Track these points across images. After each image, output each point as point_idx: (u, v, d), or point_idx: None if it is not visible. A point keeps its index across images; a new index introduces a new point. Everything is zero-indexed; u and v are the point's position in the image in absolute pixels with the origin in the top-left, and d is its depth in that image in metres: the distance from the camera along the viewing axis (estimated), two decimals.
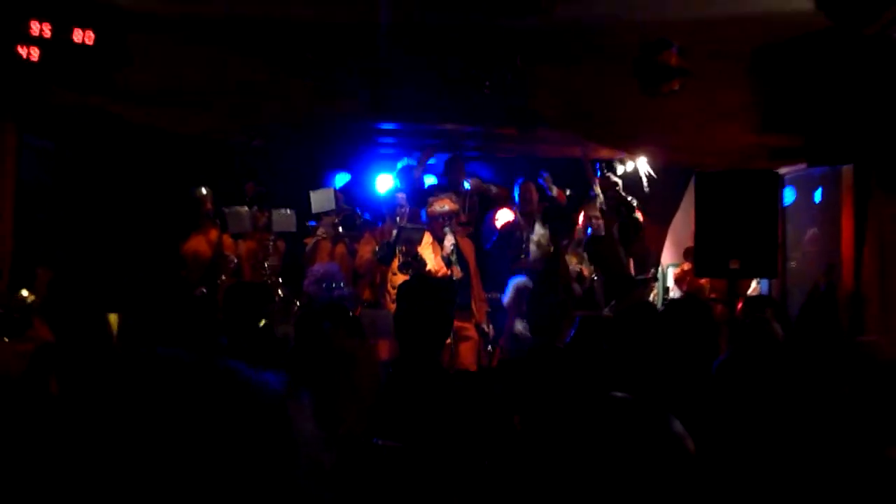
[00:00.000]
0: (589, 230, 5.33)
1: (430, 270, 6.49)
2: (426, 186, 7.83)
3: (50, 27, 5.02)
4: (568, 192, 7.83)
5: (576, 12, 4.79)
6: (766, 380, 2.66)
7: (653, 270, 8.03)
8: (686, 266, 7.67)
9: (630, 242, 7.38)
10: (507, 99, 5.56)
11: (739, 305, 5.98)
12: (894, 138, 5.28)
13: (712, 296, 6.89)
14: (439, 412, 2.86)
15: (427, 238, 6.66)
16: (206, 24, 5.29)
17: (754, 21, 5.14)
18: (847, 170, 5.93)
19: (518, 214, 7.47)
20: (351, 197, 7.40)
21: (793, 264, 6.59)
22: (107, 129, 6.11)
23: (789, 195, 6.59)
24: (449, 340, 6.54)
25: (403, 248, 6.28)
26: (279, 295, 6.53)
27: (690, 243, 6.72)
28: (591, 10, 4.48)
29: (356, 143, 7.35)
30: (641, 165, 7.60)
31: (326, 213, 6.83)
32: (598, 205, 7.24)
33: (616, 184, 7.32)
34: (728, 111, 5.73)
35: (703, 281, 7.02)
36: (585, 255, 6.90)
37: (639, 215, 7.57)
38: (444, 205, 6.92)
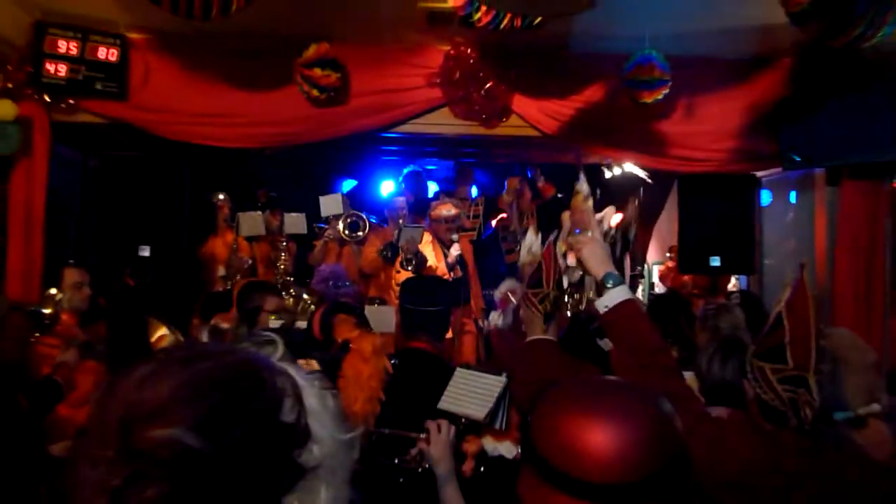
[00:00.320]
0: (577, 231, 5.32)
1: (430, 266, 6.51)
2: (429, 192, 7.86)
3: (76, 45, 5.04)
4: (559, 196, 7.85)
5: (565, 28, 4.80)
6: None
7: (639, 268, 8.05)
8: (670, 263, 7.68)
9: (628, 244, 7.42)
10: (499, 107, 5.57)
11: (720, 299, 5.97)
12: (863, 143, 5.29)
13: (695, 291, 6.89)
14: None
15: (427, 237, 6.68)
16: (224, 39, 5.30)
17: (734, 34, 5.16)
18: (819, 173, 5.93)
19: (510, 214, 7.53)
20: (357, 201, 7.41)
21: (769, 262, 6.59)
22: (129, 140, 6.12)
23: (766, 197, 6.59)
24: (451, 334, 6.58)
25: (405, 246, 6.30)
26: (291, 292, 6.53)
27: (674, 242, 6.73)
28: (580, 25, 4.49)
29: (361, 151, 7.36)
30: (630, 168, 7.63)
31: (335, 217, 6.84)
32: (581, 199, 7.23)
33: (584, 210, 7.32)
34: (709, 119, 5.73)
35: (686, 277, 7.03)
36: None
37: (619, 216, 7.60)
38: (446, 209, 6.95)
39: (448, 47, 5.50)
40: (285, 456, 1.04)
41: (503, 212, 7.83)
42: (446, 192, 7.64)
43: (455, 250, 6.76)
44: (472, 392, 2.79)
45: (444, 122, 5.82)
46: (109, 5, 4.82)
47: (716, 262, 5.89)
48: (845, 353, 2.17)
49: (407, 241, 6.32)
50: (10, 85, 5.07)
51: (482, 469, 2.70)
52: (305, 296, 6.17)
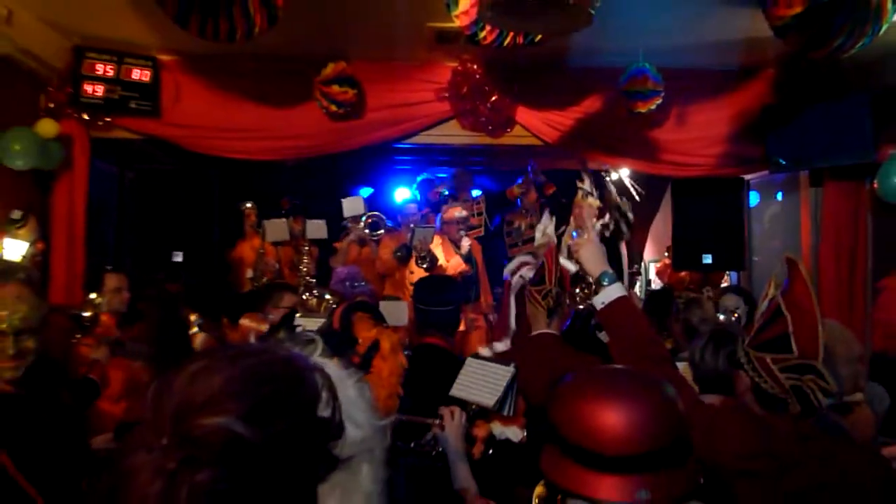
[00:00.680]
0: (574, 234, 5.32)
1: (440, 266, 6.54)
2: (441, 196, 7.87)
3: (111, 67, 5.07)
4: (564, 201, 7.82)
5: (564, 44, 4.80)
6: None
7: (636, 266, 8.02)
8: (667, 261, 7.65)
9: (621, 234, 7.37)
10: (504, 118, 5.57)
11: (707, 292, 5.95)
12: (843, 147, 5.26)
13: (691, 287, 6.86)
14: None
15: (437, 239, 6.72)
16: (248, 60, 5.32)
17: (722, 47, 5.14)
18: (804, 175, 5.90)
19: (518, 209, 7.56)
20: (373, 208, 7.42)
21: (758, 259, 6.56)
22: (162, 154, 6.14)
23: (754, 198, 6.56)
24: (464, 328, 6.60)
25: (418, 245, 6.34)
26: (314, 293, 6.53)
27: (669, 242, 6.71)
28: (579, 41, 4.48)
29: (376, 160, 7.37)
30: (625, 175, 7.60)
31: (355, 218, 6.86)
32: (581, 197, 7.20)
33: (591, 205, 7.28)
34: (700, 126, 5.71)
35: (682, 274, 7.00)
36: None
37: (629, 214, 7.56)
38: (458, 211, 7.02)
39: (456, 64, 5.51)
40: (321, 447, 1.05)
41: (509, 205, 7.83)
42: (452, 197, 7.67)
43: (466, 241, 6.93)
44: (482, 380, 2.79)
45: (452, 134, 5.83)
46: (142, 30, 4.84)
47: (708, 259, 5.86)
48: (833, 345, 2.14)
49: (419, 241, 6.37)
50: (51, 105, 5.10)
51: (490, 451, 2.70)
52: (327, 296, 6.17)
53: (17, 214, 5.01)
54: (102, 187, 6.26)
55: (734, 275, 6.76)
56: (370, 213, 6.80)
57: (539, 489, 1.91)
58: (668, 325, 4.56)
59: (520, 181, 7.81)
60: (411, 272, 6.49)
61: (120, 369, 3.95)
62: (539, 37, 4.19)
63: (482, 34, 4.28)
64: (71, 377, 3.61)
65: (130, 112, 5.24)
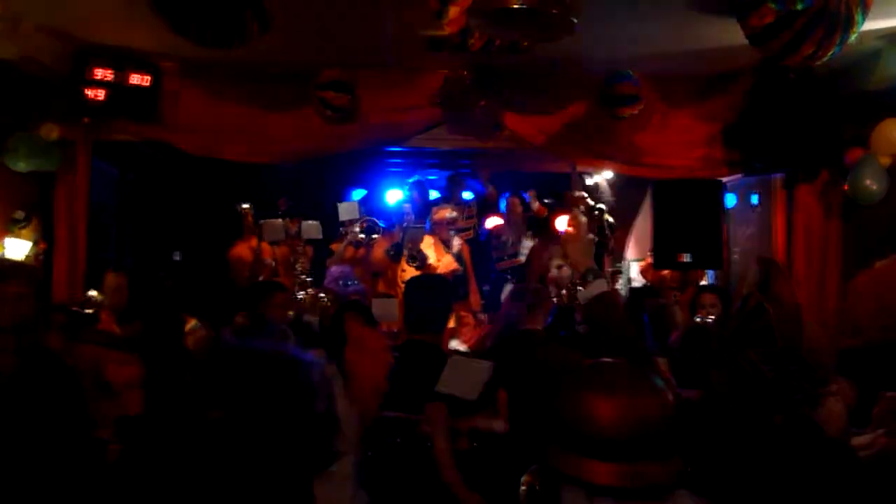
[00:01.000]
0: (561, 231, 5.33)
1: (431, 265, 6.53)
2: (431, 198, 7.87)
3: (112, 72, 5.04)
4: (546, 201, 7.85)
5: (550, 51, 4.79)
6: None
7: (617, 265, 8.02)
8: (650, 260, 7.65)
9: (606, 242, 7.38)
10: (492, 123, 5.56)
11: (690, 291, 5.95)
12: (814, 149, 5.28)
13: (672, 285, 6.87)
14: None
15: (428, 239, 6.72)
16: (244, 66, 5.30)
17: (700, 54, 5.14)
18: (777, 177, 5.92)
19: (505, 222, 7.56)
20: (367, 208, 7.40)
21: (735, 257, 6.57)
22: (161, 156, 6.12)
23: (731, 199, 6.57)
24: (453, 324, 6.60)
25: (409, 245, 6.34)
26: (308, 291, 6.52)
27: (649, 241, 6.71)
28: (562, 48, 4.47)
29: (370, 163, 7.35)
30: (606, 177, 7.62)
31: (351, 221, 6.86)
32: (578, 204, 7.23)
33: (583, 197, 7.28)
34: (678, 130, 5.72)
35: (665, 272, 7.00)
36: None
37: (610, 218, 7.59)
38: (448, 212, 7.01)
39: (446, 70, 5.49)
40: (318, 442, 1.07)
41: (494, 213, 7.85)
42: (444, 199, 7.67)
43: (457, 241, 6.93)
44: (464, 376, 2.79)
45: (443, 138, 5.83)
46: (142, 36, 4.81)
47: (687, 258, 5.87)
48: (811, 337, 2.14)
49: (410, 241, 6.36)
50: (53, 109, 5.06)
51: (475, 445, 2.69)
52: (321, 294, 6.16)
53: (19, 215, 5.00)
54: (103, 188, 6.23)
55: (711, 273, 6.76)
56: (366, 218, 6.79)
57: (527, 477, 1.91)
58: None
59: (506, 195, 7.82)
60: (403, 270, 6.49)
61: (119, 365, 3.93)
62: (524, 43, 4.20)
63: (471, 41, 4.29)
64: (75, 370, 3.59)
65: (131, 116, 5.22)
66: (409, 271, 6.29)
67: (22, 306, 2.17)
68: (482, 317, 7.25)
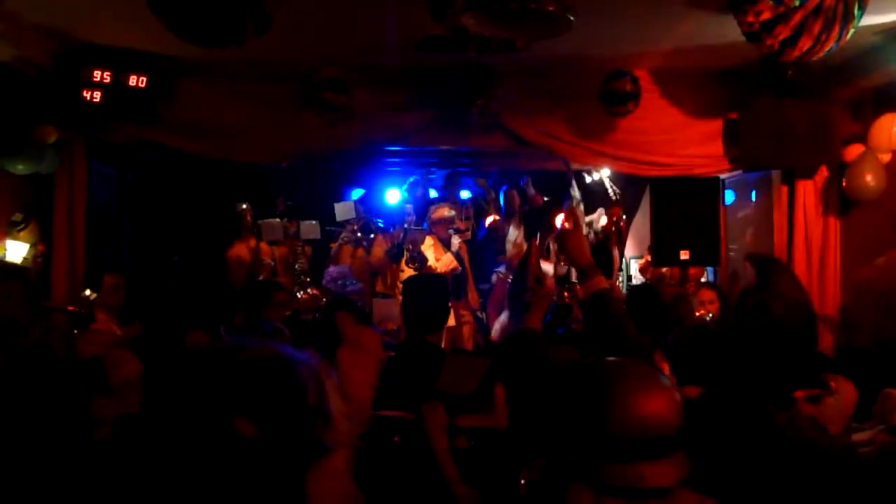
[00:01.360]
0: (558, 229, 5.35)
1: (430, 266, 6.54)
2: (430, 198, 7.87)
3: (109, 74, 5.02)
4: (546, 199, 7.85)
5: (547, 49, 4.77)
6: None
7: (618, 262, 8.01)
8: (648, 258, 7.64)
9: (613, 236, 7.40)
10: (490, 122, 5.55)
11: (688, 289, 5.94)
12: (812, 146, 5.27)
13: (671, 283, 6.86)
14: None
15: (429, 240, 6.72)
16: (241, 66, 5.29)
17: (698, 51, 5.14)
18: (776, 174, 5.91)
19: (501, 217, 7.58)
20: (365, 208, 7.40)
21: (733, 254, 6.57)
22: (160, 157, 6.11)
23: (729, 196, 6.57)
24: (453, 323, 6.61)
25: (410, 247, 6.35)
26: (307, 291, 6.53)
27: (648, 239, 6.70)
28: (560, 46, 4.46)
29: (368, 163, 7.35)
30: (605, 175, 7.61)
31: (348, 221, 6.87)
32: (575, 204, 7.23)
33: (578, 201, 7.28)
34: (676, 127, 5.71)
35: (664, 270, 7.00)
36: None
37: (604, 218, 7.59)
38: (446, 211, 7.02)
39: (442, 69, 5.47)
40: (311, 435, 1.09)
41: (493, 211, 7.86)
42: (442, 198, 7.68)
43: (456, 240, 6.98)
44: (461, 373, 2.80)
45: (440, 136, 5.81)
46: (139, 37, 4.80)
47: (685, 255, 5.86)
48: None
49: (411, 242, 6.37)
50: (51, 111, 5.05)
51: (473, 442, 2.69)
52: (319, 293, 6.17)
53: (18, 217, 4.99)
54: (102, 190, 6.22)
55: (710, 270, 6.76)
56: (363, 218, 6.81)
57: (526, 472, 1.91)
58: (652, 319, 4.54)
59: (504, 188, 7.83)
60: (402, 271, 6.50)
61: (119, 365, 3.93)
62: (521, 42, 4.19)
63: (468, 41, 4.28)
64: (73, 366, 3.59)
65: (127, 117, 5.20)
66: (408, 271, 6.30)
67: (9, 306, 2.17)
68: (481, 315, 7.28)
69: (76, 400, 3.24)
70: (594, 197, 7.92)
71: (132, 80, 5.09)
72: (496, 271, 7.24)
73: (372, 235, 6.93)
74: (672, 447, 1.43)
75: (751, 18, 3.62)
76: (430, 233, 6.83)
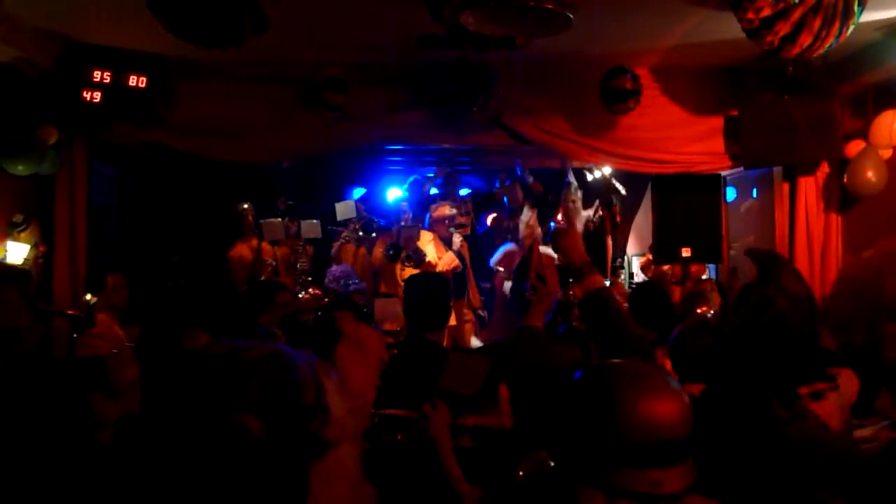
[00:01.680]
0: (552, 225, 5.35)
1: (430, 262, 6.54)
2: (430, 196, 7.87)
3: (109, 74, 5.02)
4: (550, 198, 7.84)
5: (547, 47, 4.77)
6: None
7: (619, 260, 8.01)
8: (650, 256, 7.63)
9: (611, 225, 7.38)
10: (490, 120, 5.54)
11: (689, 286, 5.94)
12: (813, 142, 5.26)
13: (673, 280, 6.86)
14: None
15: (427, 236, 6.72)
16: (241, 67, 5.29)
17: (699, 48, 5.13)
18: (777, 171, 5.90)
19: (504, 212, 7.57)
20: (366, 207, 7.41)
21: (734, 252, 6.56)
22: (160, 157, 6.11)
23: (731, 193, 6.56)
24: (454, 322, 6.62)
25: (405, 244, 6.35)
26: (309, 291, 6.52)
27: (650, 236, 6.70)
28: (559, 44, 4.46)
29: (368, 162, 7.35)
30: (608, 173, 7.60)
31: (349, 221, 6.87)
32: (572, 191, 7.21)
33: (576, 199, 7.26)
34: (676, 124, 5.70)
35: (665, 267, 6.99)
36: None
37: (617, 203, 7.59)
38: (448, 209, 7.04)
39: (441, 68, 5.47)
40: (310, 431, 1.11)
41: (496, 205, 7.84)
42: (441, 196, 7.68)
43: (458, 238, 7.00)
44: (464, 372, 2.79)
45: (440, 135, 5.81)
46: (139, 38, 4.80)
47: (687, 252, 5.86)
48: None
49: (406, 240, 6.37)
50: (51, 111, 5.05)
51: (477, 442, 2.68)
52: (320, 293, 6.17)
53: (18, 218, 4.99)
54: (103, 190, 6.23)
55: (712, 267, 6.76)
56: (362, 216, 6.81)
57: (524, 465, 1.91)
58: (657, 316, 4.53)
59: (507, 183, 7.81)
60: (403, 269, 6.50)
61: (122, 366, 3.94)
62: (520, 39, 4.18)
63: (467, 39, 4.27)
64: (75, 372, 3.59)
65: (128, 118, 5.20)
66: (409, 270, 6.30)
67: (4, 310, 2.16)
68: (482, 313, 7.28)
69: (77, 401, 3.24)
70: (596, 195, 7.92)
71: (132, 81, 5.09)
72: (498, 271, 7.22)
73: (374, 235, 6.93)
74: (684, 452, 1.42)
75: (751, 15, 3.61)
76: (428, 229, 6.84)
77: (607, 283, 2.43)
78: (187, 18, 3.52)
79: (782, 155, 5.46)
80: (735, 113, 5.61)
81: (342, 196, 7.33)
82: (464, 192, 8.08)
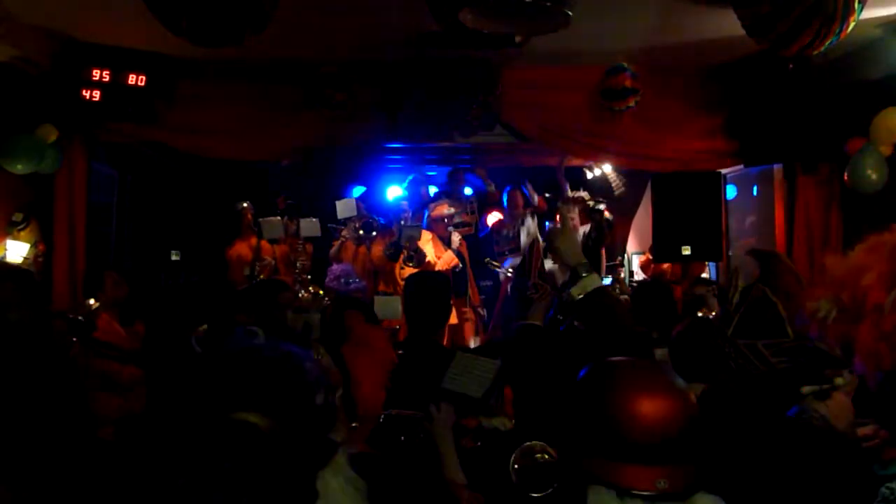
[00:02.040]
0: (547, 224, 5.35)
1: (429, 262, 6.53)
2: (430, 195, 7.86)
3: (108, 73, 5.01)
4: (547, 195, 7.84)
5: (547, 45, 4.77)
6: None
7: (619, 258, 8.01)
8: (649, 255, 7.63)
9: (604, 239, 7.37)
10: (490, 118, 5.54)
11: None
12: (813, 140, 5.26)
13: (672, 279, 6.86)
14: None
15: (426, 235, 6.71)
16: (240, 65, 5.28)
17: (698, 46, 5.12)
18: (777, 168, 5.90)
19: (505, 216, 7.55)
20: (366, 205, 7.40)
21: (730, 252, 6.56)
22: (159, 156, 6.10)
23: (731, 191, 6.56)
24: (456, 321, 6.62)
25: (407, 244, 6.33)
26: (309, 290, 6.50)
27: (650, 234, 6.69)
28: (559, 42, 4.45)
29: (369, 160, 7.34)
30: (608, 170, 7.60)
31: (349, 219, 6.86)
32: (570, 206, 7.20)
33: (583, 198, 7.25)
34: (676, 122, 5.69)
35: (665, 266, 6.99)
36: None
37: (609, 215, 7.58)
38: (446, 209, 7.04)
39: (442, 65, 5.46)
40: (320, 434, 1.11)
41: (495, 207, 7.85)
42: (444, 194, 7.67)
43: (456, 237, 6.97)
44: (470, 373, 2.78)
45: (441, 133, 5.79)
46: (138, 36, 4.79)
47: (687, 251, 5.86)
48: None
49: (407, 240, 6.35)
50: (51, 110, 5.04)
51: (479, 443, 2.68)
52: (321, 292, 6.14)
53: (18, 217, 4.99)
54: (102, 189, 6.21)
55: (712, 266, 6.75)
56: (364, 216, 6.80)
57: (517, 457, 1.91)
58: (660, 315, 4.52)
59: (508, 189, 7.81)
60: (402, 268, 6.49)
61: (124, 364, 3.95)
62: (520, 37, 4.18)
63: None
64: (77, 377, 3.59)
65: (127, 117, 5.19)
66: (408, 269, 6.30)
67: (9, 310, 2.15)
68: (482, 311, 7.28)
69: (78, 398, 3.24)
70: (596, 194, 7.91)
71: (131, 79, 5.09)
72: (501, 270, 7.19)
73: (374, 233, 6.91)
74: (687, 450, 1.43)
75: (752, 12, 3.61)
76: (427, 228, 6.83)
77: (606, 282, 2.42)
78: (185, 15, 3.51)
79: (782, 152, 5.45)
80: (735, 110, 5.60)
81: (342, 194, 7.31)
82: (468, 191, 8.08)
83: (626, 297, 5.28)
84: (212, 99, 5.39)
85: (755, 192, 6.42)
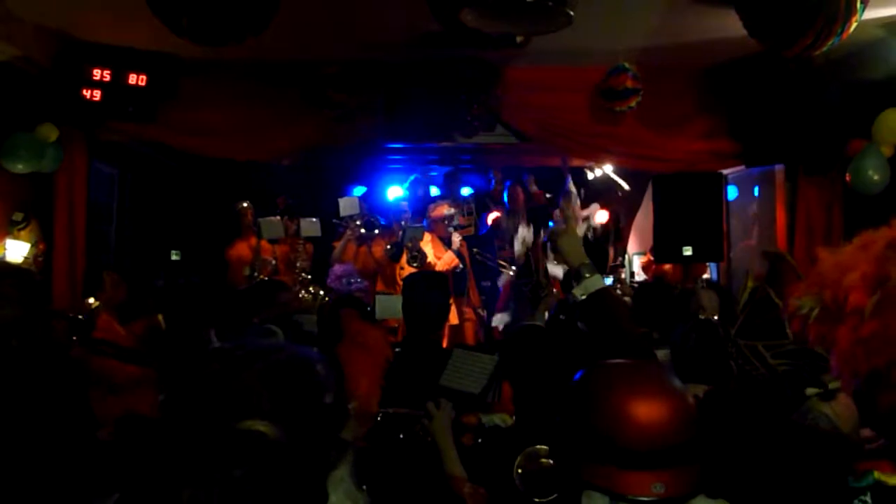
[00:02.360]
0: (551, 223, 5.33)
1: (429, 262, 6.54)
2: (431, 196, 7.87)
3: (109, 72, 5.01)
4: (548, 195, 7.84)
5: (548, 45, 4.76)
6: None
7: (620, 258, 8.01)
8: (650, 256, 7.62)
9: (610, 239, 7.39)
10: (491, 117, 5.53)
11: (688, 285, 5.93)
12: (815, 140, 5.25)
13: (673, 280, 6.85)
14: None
15: (427, 236, 6.72)
16: (241, 65, 5.27)
17: (699, 46, 5.12)
18: (779, 169, 5.89)
19: (504, 213, 7.56)
20: (367, 205, 7.40)
21: (735, 251, 6.56)
22: (160, 156, 6.10)
23: (732, 192, 6.55)
24: (456, 321, 6.62)
25: (409, 244, 6.35)
26: (310, 290, 6.50)
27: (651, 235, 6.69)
28: (560, 41, 4.45)
29: (369, 160, 7.35)
30: (609, 171, 7.60)
31: (350, 218, 6.85)
32: (572, 200, 7.20)
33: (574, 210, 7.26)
34: (677, 123, 5.69)
35: (666, 267, 6.99)
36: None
37: (605, 214, 7.59)
38: (445, 209, 7.06)
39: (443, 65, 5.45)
40: (331, 433, 1.10)
41: (496, 206, 7.85)
42: (442, 196, 7.68)
43: (457, 237, 6.97)
44: (468, 370, 2.79)
45: (441, 133, 5.79)
46: (139, 36, 4.79)
47: (688, 251, 5.85)
48: None
49: (411, 240, 6.36)
50: (51, 109, 5.04)
51: (479, 440, 2.68)
52: (322, 292, 6.15)
53: (18, 216, 4.98)
54: (102, 188, 6.21)
55: (713, 266, 6.75)
56: (366, 215, 6.80)
57: (521, 461, 1.90)
58: (662, 316, 4.51)
59: (508, 184, 7.82)
60: (402, 268, 6.50)
61: (124, 364, 3.93)
62: (520, 38, 4.17)
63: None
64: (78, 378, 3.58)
65: (128, 116, 5.19)
66: (408, 269, 6.30)
67: (6, 307, 2.15)
68: (482, 312, 7.28)
69: (77, 398, 3.23)
70: (598, 194, 7.91)
71: (132, 79, 5.08)
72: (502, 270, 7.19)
73: (376, 231, 6.92)
74: (687, 454, 1.41)
75: (753, 13, 3.60)
76: (427, 228, 6.84)
77: (608, 282, 2.42)
78: (188, 15, 3.51)
79: (784, 153, 5.45)
80: (736, 111, 5.59)
81: (343, 194, 7.31)
82: (466, 191, 8.07)
83: (627, 298, 5.26)
84: (213, 99, 5.38)
85: (756, 193, 6.42)
